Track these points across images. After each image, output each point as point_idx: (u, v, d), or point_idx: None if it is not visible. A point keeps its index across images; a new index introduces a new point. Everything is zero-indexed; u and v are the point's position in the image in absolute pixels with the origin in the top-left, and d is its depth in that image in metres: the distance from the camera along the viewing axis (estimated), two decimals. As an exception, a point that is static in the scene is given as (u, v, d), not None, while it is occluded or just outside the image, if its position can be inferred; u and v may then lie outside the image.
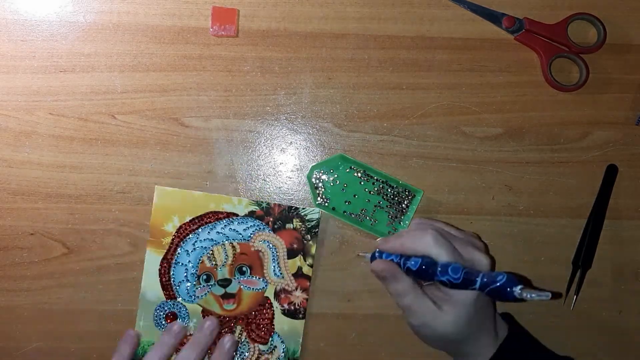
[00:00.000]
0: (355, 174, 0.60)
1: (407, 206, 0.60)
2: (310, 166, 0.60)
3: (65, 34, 0.59)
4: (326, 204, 0.59)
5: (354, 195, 0.60)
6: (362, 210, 0.60)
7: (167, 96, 0.60)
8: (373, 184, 0.60)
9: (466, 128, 0.61)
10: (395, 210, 0.60)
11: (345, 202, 0.60)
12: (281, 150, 0.61)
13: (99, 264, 0.59)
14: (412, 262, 0.51)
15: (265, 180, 0.60)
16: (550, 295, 0.43)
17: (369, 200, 0.60)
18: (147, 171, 0.60)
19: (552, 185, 0.62)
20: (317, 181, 0.60)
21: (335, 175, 0.60)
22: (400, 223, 0.60)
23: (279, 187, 0.60)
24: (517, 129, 0.62)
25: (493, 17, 0.61)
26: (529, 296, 0.44)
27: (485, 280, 0.48)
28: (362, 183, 0.60)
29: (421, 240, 0.51)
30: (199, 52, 0.60)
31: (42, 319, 0.59)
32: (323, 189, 0.60)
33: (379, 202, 0.60)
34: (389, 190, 0.60)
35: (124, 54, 0.60)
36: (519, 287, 0.45)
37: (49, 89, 0.59)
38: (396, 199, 0.60)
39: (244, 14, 0.60)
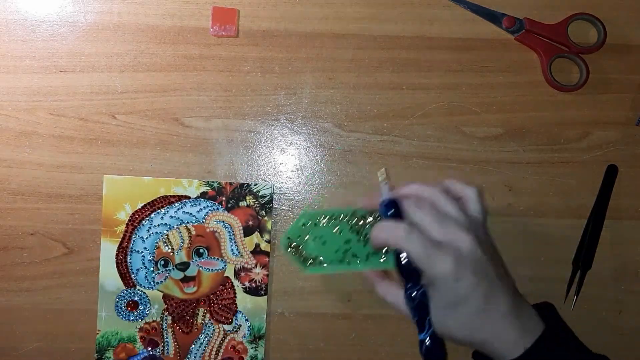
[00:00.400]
0: (324, 224, 0.53)
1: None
2: (280, 238, 0.57)
3: (65, 34, 0.59)
4: (319, 264, 0.53)
5: (338, 242, 0.53)
6: (346, 252, 0.53)
7: (167, 96, 0.60)
8: (350, 223, 0.53)
9: (466, 128, 0.61)
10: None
11: (335, 251, 0.53)
12: (281, 150, 0.61)
13: (99, 264, 0.59)
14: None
15: (265, 181, 0.60)
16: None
17: (359, 241, 0.53)
18: (147, 171, 0.60)
19: (552, 185, 0.62)
20: (293, 250, 0.53)
21: (309, 234, 0.53)
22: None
23: (279, 187, 0.60)
24: (517, 129, 0.62)
25: (493, 17, 0.61)
26: None
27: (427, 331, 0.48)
28: (337, 229, 0.53)
29: (393, 233, 0.48)
30: (199, 52, 0.60)
31: (42, 319, 0.59)
32: (305, 252, 0.53)
33: (360, 238, 0.53)
34: (362, 221, 0.53)
35: (124, 54, 0.60)
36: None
37: (49, 89, 0.59)
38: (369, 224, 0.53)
39: (244, 14, 0.60)
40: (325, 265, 0.53)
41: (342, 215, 0.54)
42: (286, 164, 0.61)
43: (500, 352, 0.50)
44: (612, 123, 0.62)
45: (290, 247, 0.53)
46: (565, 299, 0.62)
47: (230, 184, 0.59)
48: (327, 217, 0.53)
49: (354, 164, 0.61)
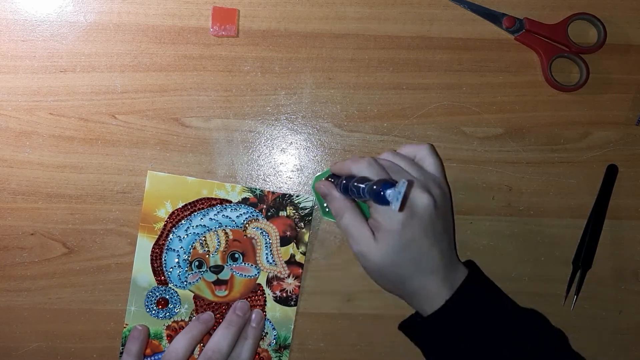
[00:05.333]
0: None
1: None
2: (314, 177, 0.60)
3: (65, 34, 0.59)
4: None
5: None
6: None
7: (167, 96, 0.60)
8: None
9: (466, 128, 0.62)
10: None
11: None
12: (281, 150, 0.61)
13: (99, 264, 0.59)
14: (337, 181, 0.54)
15: (265, 181, 0.60)
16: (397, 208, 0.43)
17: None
18: (147, 171, 0.59)
19: (552, 185, 0.62)
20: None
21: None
22: None
23: (280, 188, 0.60)
24: (517, 129, 0.62)
25: (493, 17, 0.62)
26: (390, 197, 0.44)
27: (366, 188, 0.48)
28: None
29: (357, 164, 0.53)
30: (199, 52, 0.60)
31: (42, 319, 0.59)
32: None
33: None
34: None
35: (124, 54, 0.60)
36: (389, 190, 0.44)
37: (50, 89, 0.59)
38: None
39: (244, 14, 0.60)
40: None
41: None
42: (286, 164, 0.61)
43: (425, 304, 0.53)
44: (612, 123, 0.62)
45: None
46: (565, 299, 0.62)
47: (273, 192, 0.60)
48: None
49: (354, 164, 0.61)
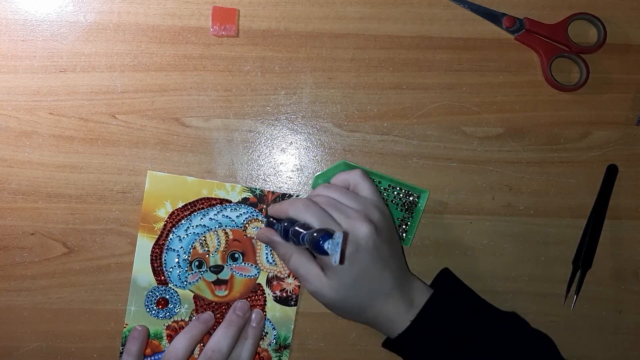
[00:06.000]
0: None
1: (414, 207, 0.60)
2: (314, 176, 0.60)
3: (65, 33, 0.59)
4: None
5: None
6: None
7: (167, 96, 0.60)
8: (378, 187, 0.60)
9: (466, 128, 0.62)
10: (402, 211, 0.60)
11: None
12: (281, 150, 0.61)
13: (99, 264, 0.59)
14: (278, 226, 0.54)
15: (265, 181, 0.60)
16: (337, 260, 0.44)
17: None
18: (147, 171, 0.59)
19: (552, 185, 0.62)
20: None
21: None
22: (408, 224, 0.60)
23: (280, 188, 0.60)
24: (517, 129, 0.62)
25: (493, 17, 0.62)
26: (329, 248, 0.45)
27: (306, 237, 0.48)
28: None
29: (294, 207, 0.53)
30: (199, 52, 0.60)
31: (42, 319, 0.59)
32: None
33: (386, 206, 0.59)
34: (395, 192, 0.60)
35: (124, 54, 0.60)
36: (327, 242, 0.45)
37: (49, 89, 0.59)
38: (402, 200, 0.60)
39: (244, 14, 0.60)
40: None
41: (374, 178, 0.60)
42: (286, 164, 0.61)
43: (389, 327, 0.54)
44: (612, 123, 0.62)
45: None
46: (565, 299, 0.62)
47: (273, 192, 0.60)
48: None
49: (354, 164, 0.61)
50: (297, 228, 0.51)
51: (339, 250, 0.44)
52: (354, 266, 0.51)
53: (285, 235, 0.53)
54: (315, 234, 0.47)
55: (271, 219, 0.57)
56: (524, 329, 0.56)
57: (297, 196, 0.60)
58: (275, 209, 0.56)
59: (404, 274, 0.55)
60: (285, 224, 0.53)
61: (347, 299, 0.52)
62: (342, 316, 0.56)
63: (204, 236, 0.59)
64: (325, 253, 0.45)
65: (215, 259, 0.59)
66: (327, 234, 0.46)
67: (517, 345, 0.53)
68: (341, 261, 0.49)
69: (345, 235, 0.51)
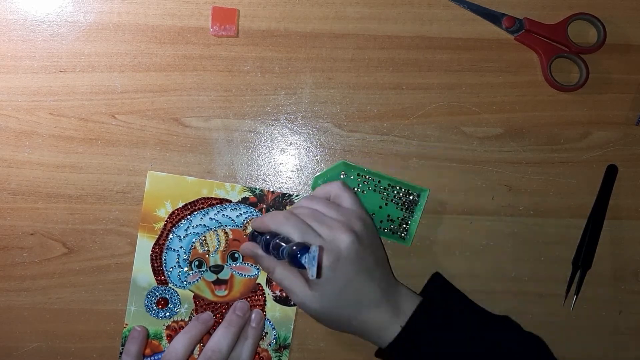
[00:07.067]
0: (361, 181, 0.60)
1: (414, 205, 0.60)
2: (313, 177, 0.60)
3: (65, 34, 0.59)
4: None
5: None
6: (371, 215, 0.59)
7: (167, 96, 0.60)
8: (376, 188, 0.60)
9: (466, 128, 0.62)
10: (402, 210, 0.60)
11: None
12: (281, 150, 0.61)
13: (99, 264, 0.59)
14: (260, 239, 0.54)
15: (265, 181, 0.60)
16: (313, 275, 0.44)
17: (381, 207, 0.60)
18: (147, 171, 0.59)
19: (552, 185, 0.62)
20: None
21: None
22: (408, 223, 0.60)
23: (280, 188, 0.60)
24: (517, 129, 0.62)
25: (493, 17, 0.62)
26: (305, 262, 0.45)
27: (285, 251, 0.49)
28: (369, 189, 0.60)
29: (275, 220, 0.53)
30: (199, 52, 0.60)
31: (42, 319, 0.59)
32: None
33: (387, 205, 0.60)
34: (395, 191, 0.60)
35: (124, 54, 0.60)
36: (304, 256, 0.46)
37: (49, 89, 0.59)
38: (403, 199, 0.60)
39: (244, 14, 0.60)
40: None
41: (374, 177, 0.60)
42: (286, 164, 0.61)
43: (379, 337, 0.53)
44: (612, 123, 0.62)
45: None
46: (565, 299, 0.62)
47: (272, 192, 0.60)
48: (367, 176, 0.60)
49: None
50: (277, 241, 0.51)
51: (315, 263, 0.44)
52: (337, 277, 0.51)
53: (267, 248, 0.53)
54: (294, 248, 0.47)
55: (254, 232, 0.57)
56: (516, 333, 0.56)
57: (296, 196, 0.60)
58: (257, 223, 0.56)
59: (390, 283, 0.55)
60: (267, 237, 0.53)
61: (333, 309, 0.52)
62: (330, 327, 0.55)
63: (204, 236, 0.59)
64: (304, 267, 0.46)
65: (215, 259, 0.59)
66: (305, 248, 0.46)
67: (510, 350, 0.53)
68: (318, 275, 0.48)
69: (321, 249, 0.50)
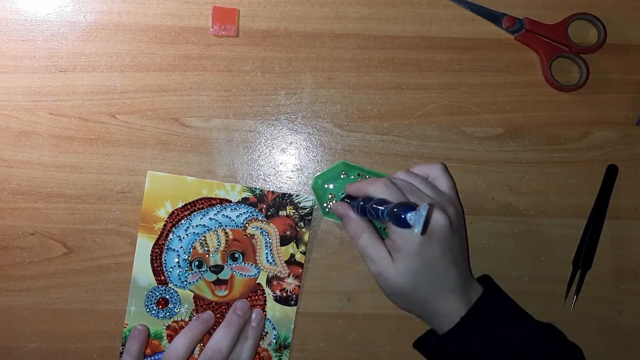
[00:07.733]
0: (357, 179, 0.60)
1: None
2: (313, 176, 0.60)
3: (65, 33, 0.59)
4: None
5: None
6: None
7: (167, 96, 0.60)
8: None
9: (466, 128, 0.62)
10: None
11: None
12: (281, 150, 0.61)
13: (99, 264, 0.59)
14: (354, 203, 0.54)
15: (265, 181, 0.60)
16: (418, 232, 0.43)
17: None
18: (147, 171, 0.59)
19: (552, 185, 0.62)
20: (322, 191, 0.60)
21: (340, 182, 0.60)
22: None
23: (280, 187, 0.60)
24: (517, 129, 0.62)
25: (493, 17, 0.62)
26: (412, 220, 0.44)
27: (387, 209, 0.48)
28: None
29: (374, 186, 0.53)
30: (199, 52, 0.60)
31: (42, 319, 0.59)
32: (332, 197, 0.59)
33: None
34: None
35: (124, 54, 0.60)
36: (410, 213, 0.44)
37: (49, 89, 0.59)
38: None
39: (244, 14, 0.60)
40: None
41: (373, 177, 0.59)
42: (286, 164, 0.61)
43: (442, 323, 0.53)
44: (612, 123, 0.62)
45: (318, 189, 0.60)
46: (565, 299, 0.62)
47: (273, 192, 0.60)
48: (361, 174, 0.60)
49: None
50: (374, 205, 0.50)
51: (422, 221, 0.42)
52: (425, 254, 0.51)
53: (362, 213, 0.53)
54: (398, 206, 0.45)
55: (346, 199, 0.57)
56: (560, 342, 0.55)
57: (296, 196, 0.60)
58: (353, 187, 0.56)
59: (468, 274, 0.55)
60: (362, 202, 0.53)
61: (410, 286, 0.52)
62: (399, 304, 0.55)
63: (204, 236, 0.59)
64: (407, 225, 0.44)
65: (215, 259, 0.59)
66: (410, 207, 0.44)
67: (553, 357, 0.53)
68: (424, 231, 0.47)
69: (432, 207, 0.50)
